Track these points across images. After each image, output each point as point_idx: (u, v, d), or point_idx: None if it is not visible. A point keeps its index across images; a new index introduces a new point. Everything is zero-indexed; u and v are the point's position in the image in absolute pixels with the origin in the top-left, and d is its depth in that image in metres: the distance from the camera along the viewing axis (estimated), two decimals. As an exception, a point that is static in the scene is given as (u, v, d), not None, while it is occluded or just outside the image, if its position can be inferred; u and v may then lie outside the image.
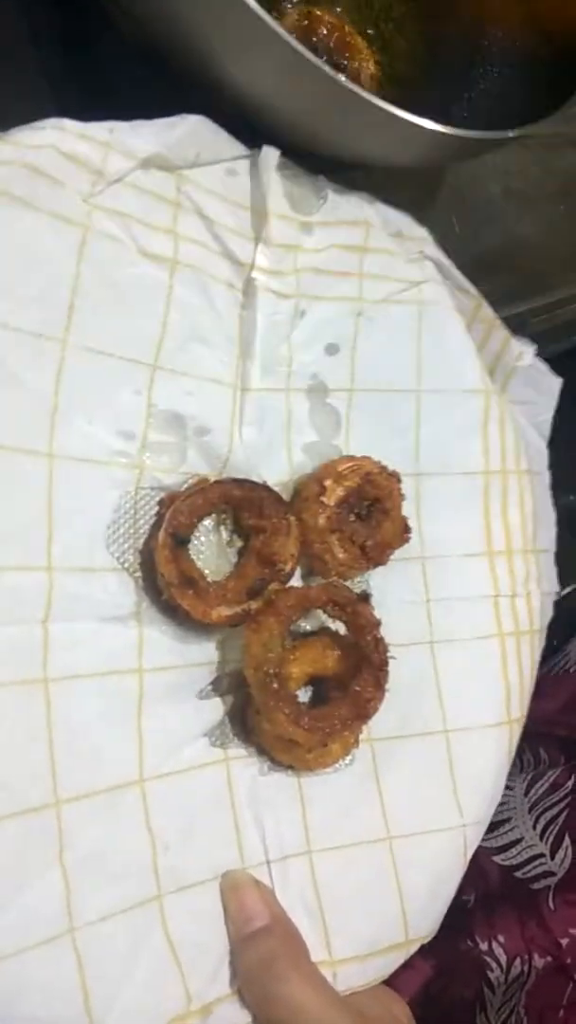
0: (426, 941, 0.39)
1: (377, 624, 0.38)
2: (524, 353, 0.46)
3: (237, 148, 0.37)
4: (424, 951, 0.47)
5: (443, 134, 0.36)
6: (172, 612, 0.36)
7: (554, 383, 0.48)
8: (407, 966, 0.46)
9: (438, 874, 0.39)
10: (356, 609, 0.38)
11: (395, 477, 0.42)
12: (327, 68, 0.32)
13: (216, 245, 0.36)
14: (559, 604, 0.62)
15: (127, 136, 0.34)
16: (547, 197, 0.57)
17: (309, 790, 0.38)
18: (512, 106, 0.43)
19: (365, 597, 0.38)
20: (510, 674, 0.43)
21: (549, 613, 0.47)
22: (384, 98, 0.33)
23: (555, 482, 0.50)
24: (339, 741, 0.38)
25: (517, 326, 0.48)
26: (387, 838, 0.39)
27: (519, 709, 0.44)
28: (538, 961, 0.44)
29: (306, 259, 0.39)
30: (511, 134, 0.38)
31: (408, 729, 0.41)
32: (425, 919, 0.38)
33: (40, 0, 0.39)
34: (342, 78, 0.32)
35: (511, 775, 0.55)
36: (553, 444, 0.50)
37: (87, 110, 0.34)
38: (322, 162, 0.40)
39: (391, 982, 0.46)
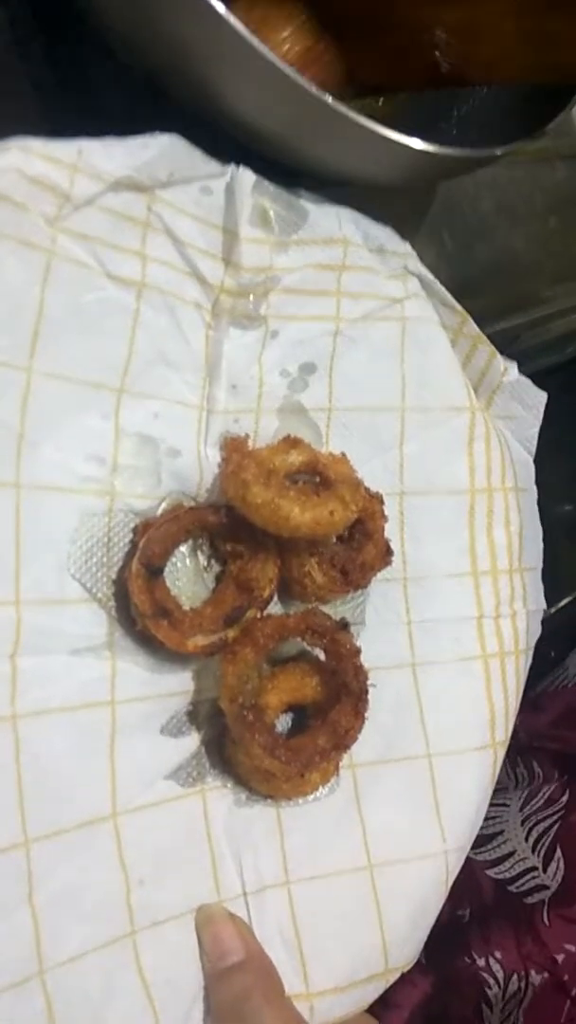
0: (406, 969, 0.38)
1: (357, 652, 0.38)
2: (509, 368, 0.45)
3: (212, 166, 0.36)
4: (422, 968, 0.46)
5: (431, 153, 0.35)
6: (146, 641, 0.35)
7: (539, 397, 0.47)
8: (406, 983, 0.46)
9: (419, 902, 0.39)
10: (335, 637, 0.37)
11: (377, 498, 0.41)
12: (313, 88, 0.31)
13: (185, 266, 0.36)
14: (558, 616, 0.61)
15: (97, 158, 0.33)
16: (538, 212, 0.57)
17: (288, 820, 0.38)
18: (501, 122, 0.42)
19: (344, 625, 0.37)
20: (494, 696, 0.43)
21: (536, 631, 0.47)
22: (371, 117, 0.33)
23: (552, 492, 0.49)
24: (318, 771, 0.37)
25: (509, 340, 0.47)
26: (367, 866, 0.38)
27: (503, 732, 0.43)
28: (535, 977, 0.44)
29: (278, 279, 0.38)
30: (499, 152, 0.38)
31: (390, 754, 0.40)
32: (405, 948, 0.38)
33: (24, 17, 0.38)
34: (328, 98, 0.31)
35: (505, 790, 0.54)
36: (550, 455, 0.49)
37: (74, 125, 0.33)
38: (311, 180, 0.40)
39: (390, 999, 0.46)
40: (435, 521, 0.44)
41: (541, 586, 0.47)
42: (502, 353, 0.46)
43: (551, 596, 0.60)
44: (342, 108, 0.32)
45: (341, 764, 0.39)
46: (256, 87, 0.32)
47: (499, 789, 0.54)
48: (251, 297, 0.38)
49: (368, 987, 0.37)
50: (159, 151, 0.34)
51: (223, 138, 0.36)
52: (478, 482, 0.44)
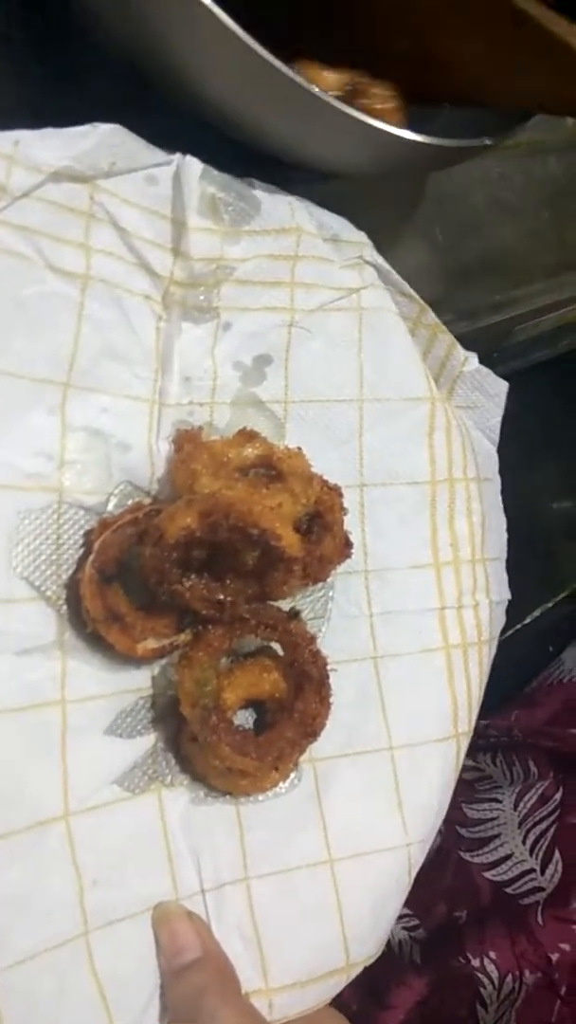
0: (369, 963, 0.38)
1: (312, 639, 0.37)
2: (469, 358, 0.45)
3: (157, 155, 0.35)
4: (418, 969, 0.46)
5: (421, 143, 0.35)
6: (98, 642, 0.35)
7: (500, 387, 0.47)
8: (401, 984, 0.46)
9: (381, 896, 0.39)
10: (287, 628, 0.37)
11: (336, 491, 0.40)
12: (300, 79, 0.31)
13: (132, 257, 0.35)
14: (556, 610, 0.61)
15: (34, 148, 0.32)
16: (530, 205, 0.57)
17: (248, 816, 0.37)
18: (489, 114, 0.42)
19: (295, 614, 0.37)
20: (457, 687, 0.43)
21: (500, 621, 0.47)
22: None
23: (548, 488, 0.49)
24: (290, 762, 0.37)
25: (502, 335, 0.47)
26: (328, 861, 0.38)
27: (467, 722, 0.43)
28: (529, 977, 0.44)
29: (230, 270, 0.38)
30: (488, 142, 0.38)
31: (351, 748, 0.40)
32: (367, 942, 0.38)
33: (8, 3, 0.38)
34: (315, 88, 0.31)
35: (499, 788, 0.54)
36: (546, 452, 0.49)
37: (57, 114, 0.32)
38: (298, 173, 0.39)
39: (385, 1000, 0.46)
40: (396, 513, 0.43)
41: (505, 576, 0.47)
42: (495, 348, 0.46)
43: (548, 591, 0.60)
44: (332, 99, 0.32)
45: (301, 759, 0.39)
46: (241, 79, 0.32)
47: (493, 787, 0.54)
48: (202, 288, 0.37)
49: (328, 982, 0.37)
50: (99, 140, 0.33)
51: (205, 127, 0.36)
52: (439, 473, 0.44)
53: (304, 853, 0.38)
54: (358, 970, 0.38)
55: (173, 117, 0.35)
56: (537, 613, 0.60)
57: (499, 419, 0.47)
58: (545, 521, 0.48)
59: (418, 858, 0.40)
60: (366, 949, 0.38)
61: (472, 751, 0.59)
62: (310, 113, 0.33)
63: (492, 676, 0.60)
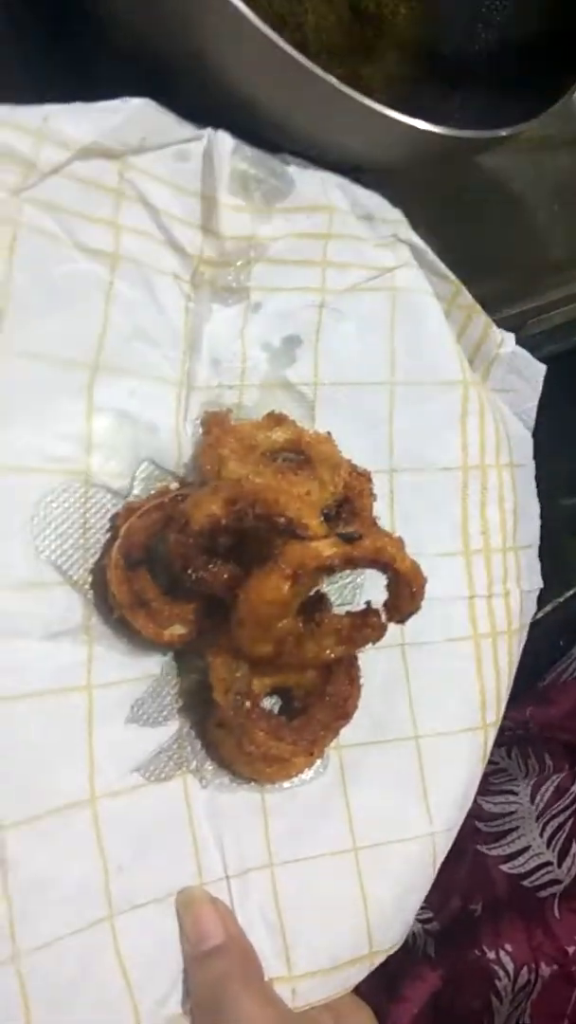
0: (391, 952, 0.38)
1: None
2: (506, 340, 0.44)
3: (187, 130, 0.34)
4: (432, 961, 0.46)
5: (435, 134, 0.34)
6: (124, 627, 0.34)
7: (538, 370, 0.45)
8: (415, 977, 0.46)
9: (405, 884, 0.38)
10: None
11: (365, 476, 0.40)
12: (316, 68, 0.30)
13: (161, 235, 0.34)
14: (568, 605, 0.61)
15: (63, 123, 0.31)
16: (542, 198, 0.56)
17: (273, 803, 0.37)
18: (504, 106, 0.41)
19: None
20: (485, 677, 0.42)
21: (531, 610, 0.46)
22: (375, 98, 0.32)
23: (558, 483, 0.48)
24: (322, 746, 0.37)
25: (514, 328, 0.46)
26: (352, 849, 0.38)
27: (494, 713, 0.42)
28: (545, 970, 0.44)
29: (261, 249, 0.37)
30: (503, 133, 0.37)
31: (378, 736, 0.40)
32: (390, 931, 0.38)
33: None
34: (331, 78, 0.31)
35: (514, 780, 0.54)
36: (553, 445, 0.48)
37: (63, 94, 0.32)
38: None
39: (399, 993, 0.46)
40: (426, 499, 0.42)
41: (537, 564, 0.46)
42: None
43: (559, 585, 0.59)
44: (346, 89, 0.31)
45: (330, 746, 0.39)
46: (256, 67, 0.32)
47: (508, 779, 0.54)
48: (232, 268, 0.36)
49: (352, 970, 0.37)
50: (129, 115, 0.32)
51: (213, 112, 0.35)
52: (471, 458, 0.43)
53: (328, 841, 0.37)
54: (381, 958, 0.38)
55: (203, 97, 0.34)
56: (548, 608, 0.60)
57: (535, 403, 0.46)
58: (554, 517, 0.48)
59: (443, 848, 0.40)
60: (389, 937, 0.38)
61: None
62: (325, 104, 0.32)
63: None
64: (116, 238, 0.33)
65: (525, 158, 0.55)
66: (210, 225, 0.35)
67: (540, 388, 0.46)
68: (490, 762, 0.57)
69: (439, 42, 0.47)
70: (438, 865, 0.40)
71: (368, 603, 0.36)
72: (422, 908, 0.50)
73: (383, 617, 0.35)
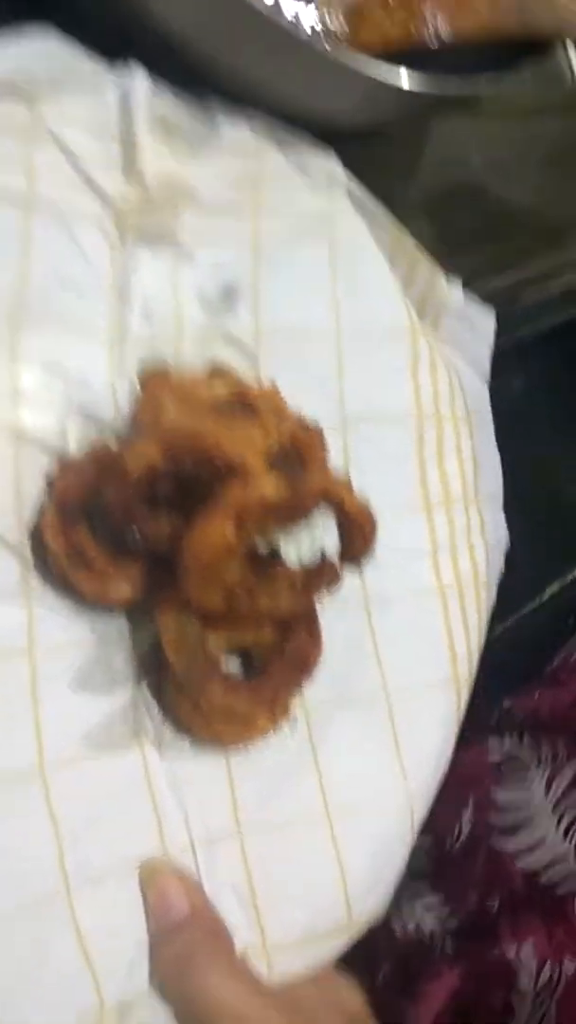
0: (374, 923, 0.36)
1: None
2: (454, 287, 0.43)
3: (102, 70, 0.33)
4: (450, 959, 0.45)
5: (388, 87, 0.33)
6: (66, 588, 0.33)
7: (488, 318, 0.44)
8: (434, 975, 0.44)
9: (383, 848, 0.37)
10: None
11: (316, 431, 0.38)
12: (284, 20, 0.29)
13: (81, 181, 0.33)
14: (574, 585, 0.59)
15: None
16: (532, 165, 0.55)
17: (238, 768, 0.36)
18: (485, 68, 0.39)
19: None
20: (454, 631, 0.41)
21: (498, 565, 0.44)
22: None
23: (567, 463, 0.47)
24: (267, 713, 0.35)
25: (509, 299, 0.46)
26: (325, 813, 0.36)
27: (467, 667, 0.41)
28: (568, 966, 0.42)
29: (189, 195, 0.36)
30: (486, 86, 0.36)
31: (346, 696, 0.38)
32: (369, 899, 0.36)
33: None
34: (301, 30, 0.30)
35: (527, 769, 0.52)
36: (561, 428, 0.47)
37: None
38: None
39: (418, 992, 0.44)
40: (382, 453, 0.41)
41: (502, 517, 0.45)
42: (503, 314, 0.44)
43: (566, 565, 0.58)
44: (320, 43, 0.30)
45: (295, 708, 0.37)
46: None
47: (520, 768, 0.52)
48: (159, 215, 0.35)
49: (330, 941, 0.35)
50: (39, 50, 0.31)
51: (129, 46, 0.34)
52: (425, 408, 0.42)
53: (299, 806, 0.36)
54: (361, 928, 0.36)
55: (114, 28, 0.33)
56: (555, 588, 0.58)
57: (488, 352, 0.45)
58: (560, 495, 0.47)
59: (421, 808, 0.38)
60: (369, 906, 0.36)
61: (498, 732, 0.57)
62: (300, 60, 0.31)
63: (513, 653, 0.58)
64: (30, 181, 0.32)
65: (515, 124, 0.54)
66: (131, 168, 0.34)
67: (492, 337, 0.45)
68: (501, 750, 0.56)
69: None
70: (417, 827, 0.38)
71: (321, 551, 0.34)
72: (439, 905, 0.48)
73: (337, 564, 0.34)
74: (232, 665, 0.37)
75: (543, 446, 0.48)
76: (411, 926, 0.47)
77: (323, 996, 0.34)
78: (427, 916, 0.47)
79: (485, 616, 0.43)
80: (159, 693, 0.35)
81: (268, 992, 0.31)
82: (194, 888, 0.32)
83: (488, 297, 0.44)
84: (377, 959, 0.48)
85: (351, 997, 0.36)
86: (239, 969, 0.31)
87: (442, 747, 0.39)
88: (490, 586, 0.44)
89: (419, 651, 0.40)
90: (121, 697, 0.34)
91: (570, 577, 0.59)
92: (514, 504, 0.49)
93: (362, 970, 0.48)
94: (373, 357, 0.41)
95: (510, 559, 0.45)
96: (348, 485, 0.33)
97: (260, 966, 0.33)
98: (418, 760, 0.38)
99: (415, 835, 0.38)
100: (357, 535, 0.33)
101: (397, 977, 0.46)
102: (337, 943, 0.35)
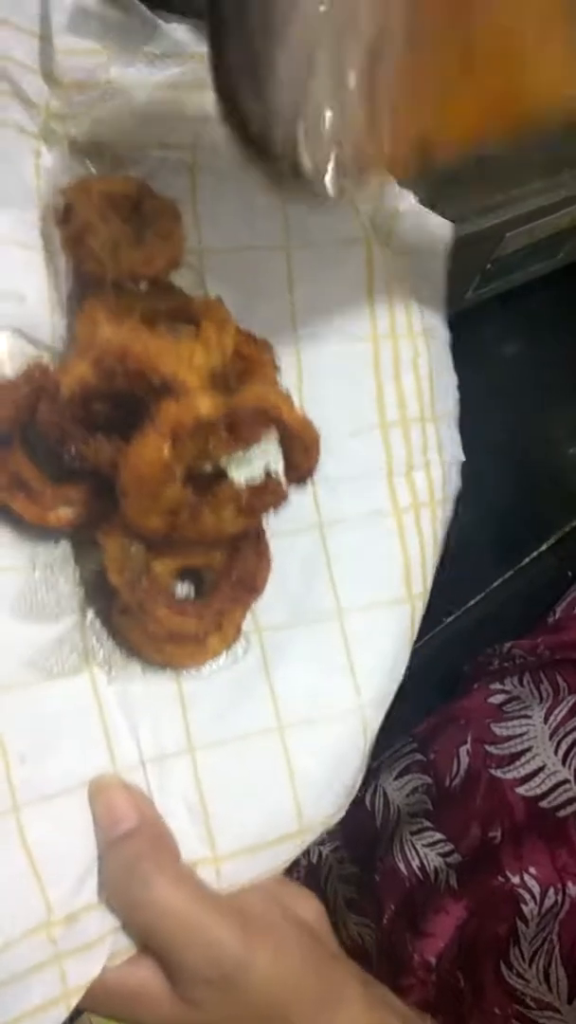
0: (326, 828, 0.37)
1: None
2: (404, 194, 0.41)
3: None
4: (455, 894, 0.46)
5: None
6: (4, 513, 0.32)
7: (444, 227, 0.43)
8: (439, 911, 0.45)
9: (335, 758, 0.37)
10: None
11: (263, 344, 0.37)
12: None
13: (1, 83, 0.31)
14: (573, 536, 0.59)
15: None
16: None
17: (190, 691, 0.36)
18: None
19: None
20: (409, 549, 0.40)
21: (454, 482, 0.44)
22: None
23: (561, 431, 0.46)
24: (217, 634, 0.35)
25: (493, 241, 0.43)
26: (278, 727, 0.37)
27: (420, 584, 0.41)
28: (572, 888, 0.43)
29: (120, 101, 0.34)
30: None
31: (299, 617, 0.38)
32: (320, 806, 0.37)
33: None
34: None
35: (528, 706, 0.53)
36: (559, 397, 0.46)
37: None
38: None
39: (424, 928, 0.45)
40: (337, 372, 0.40)
41: (458, 436, 0.44)
42: (489, 256, 0.42)
43: (564, 516, 0.58)
44: None
45: (249, 630, 0.37)
46: None
47: (522, 707, 0.53)
48: (88, 122, 0.33)
49: (280, 848, 0.36)
50: None
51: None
52: (381, 327, 0.41)
53: (252, 721, 0.36)
54: (313, 835, 0.37)
55: None
56: (552, 540, 0.58)
57: (443, 264, 0.43)
58: (557, 450, 0.46)
59: (374, 719, 0.38)
60: (320, 812, 0.37)
61: (499, 675, 0.57)
62: None
63: (514, 603, 0.58)
64: (-56, 83, 0.30)
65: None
66: (53, 71, 0.32)
67: (446, 246, 0.43)
68: (503, 691, 0.56)
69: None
70: (370, 738, 0.39)
71: (266, 469, 0.34)
72: (441, 840, 0.49)
73: (283, 483, 0.34)
74: (185, 590, 0.38)
75: (543, 412, 0.47)
76: (415, 864, 0.48)
77: (278, 905, 0.35)
78: (430, 853, 0.49)
79: (441, 531, 0.42)
80: (108, 619, 0.35)
81: (212, 899, 0.31)
82: (143, 800, 0.33)
83: (472, 238, 0.42)
84: (383, 899, 0.49)
85: (309, 907, 0.36)
86: (184, 875, 0.32)
87: (395, 663, 0.39)
88: (446, 502, 0.43)
89: (373, 570, 0.39)
90: (68, 623, 0.34)
91: (568, 527, 0.59)
92: (512, 458, 0.48)
93: (369, 911, 0.50)
94: (326, 272, 0.40)
95: (509, 512, 0.45)
96: (288, 399, 0.32)
97: (209, 875, 0.33)
98: (370, 673, 0.38)
99: (369, 744, 0.38)
100: (299, 450, 0.33)
101: (403, 915, 0.48)
102: (288, 848, 0.36)
